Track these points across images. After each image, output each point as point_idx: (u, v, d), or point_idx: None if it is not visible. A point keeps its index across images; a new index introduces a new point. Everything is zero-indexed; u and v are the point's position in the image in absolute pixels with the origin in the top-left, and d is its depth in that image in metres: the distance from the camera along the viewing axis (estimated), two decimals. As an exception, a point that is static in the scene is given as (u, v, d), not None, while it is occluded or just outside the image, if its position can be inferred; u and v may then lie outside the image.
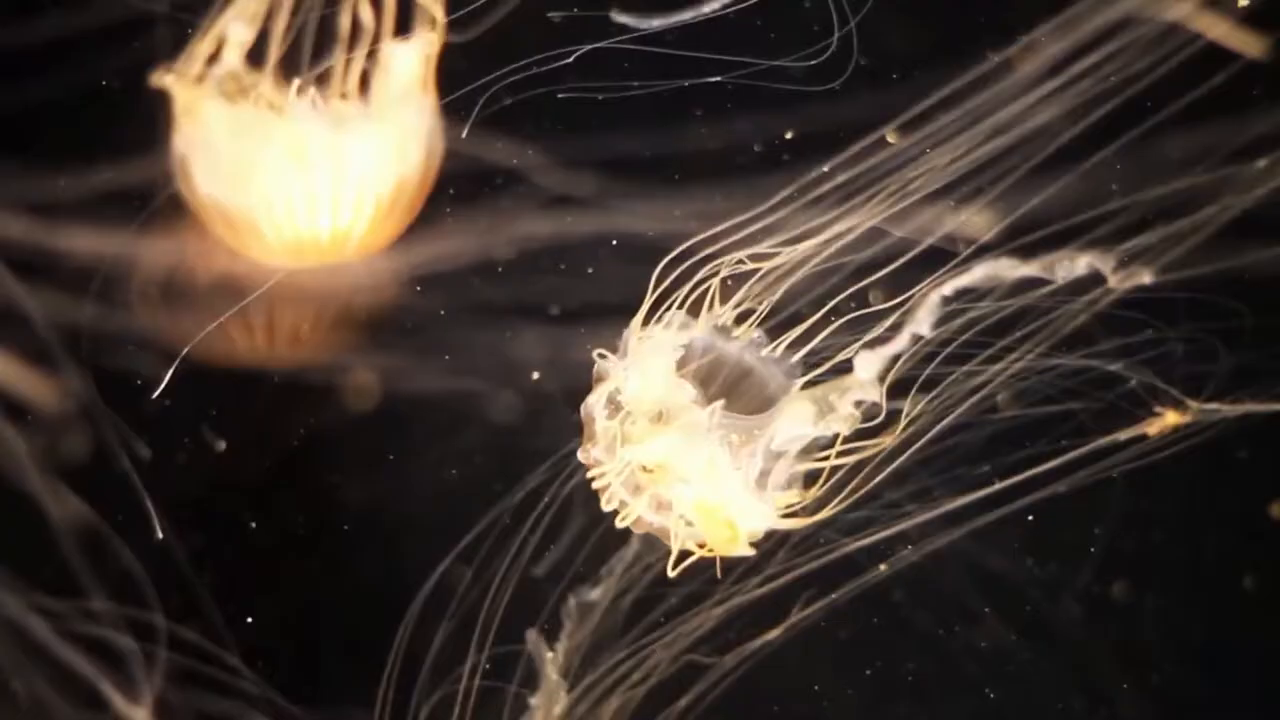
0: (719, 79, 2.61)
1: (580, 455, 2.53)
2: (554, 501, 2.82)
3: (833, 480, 2.57)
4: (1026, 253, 2.47)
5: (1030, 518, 2.81)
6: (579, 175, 2.68)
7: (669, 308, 2.53)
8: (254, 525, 2.90)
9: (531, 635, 2.85)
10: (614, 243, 2.77)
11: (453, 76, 2.54)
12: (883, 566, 2.91)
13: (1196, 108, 2.41)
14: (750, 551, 2.53)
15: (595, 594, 2.90)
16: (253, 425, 2.88)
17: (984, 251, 2.50)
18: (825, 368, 2.56)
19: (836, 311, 2.54)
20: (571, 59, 2.51)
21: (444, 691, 2.83)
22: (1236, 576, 3.16)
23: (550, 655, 2.84)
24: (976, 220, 2.51)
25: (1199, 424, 2.66)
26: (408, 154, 2.52)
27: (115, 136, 2.58)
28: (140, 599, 2.45)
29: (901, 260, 2.49)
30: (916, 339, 2.45)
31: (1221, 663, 3.22)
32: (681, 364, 2.54)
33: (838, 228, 2.51)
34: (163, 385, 2.46)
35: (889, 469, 2.78)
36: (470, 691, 2.81)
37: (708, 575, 2.85)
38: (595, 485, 2.53)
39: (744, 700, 2.94)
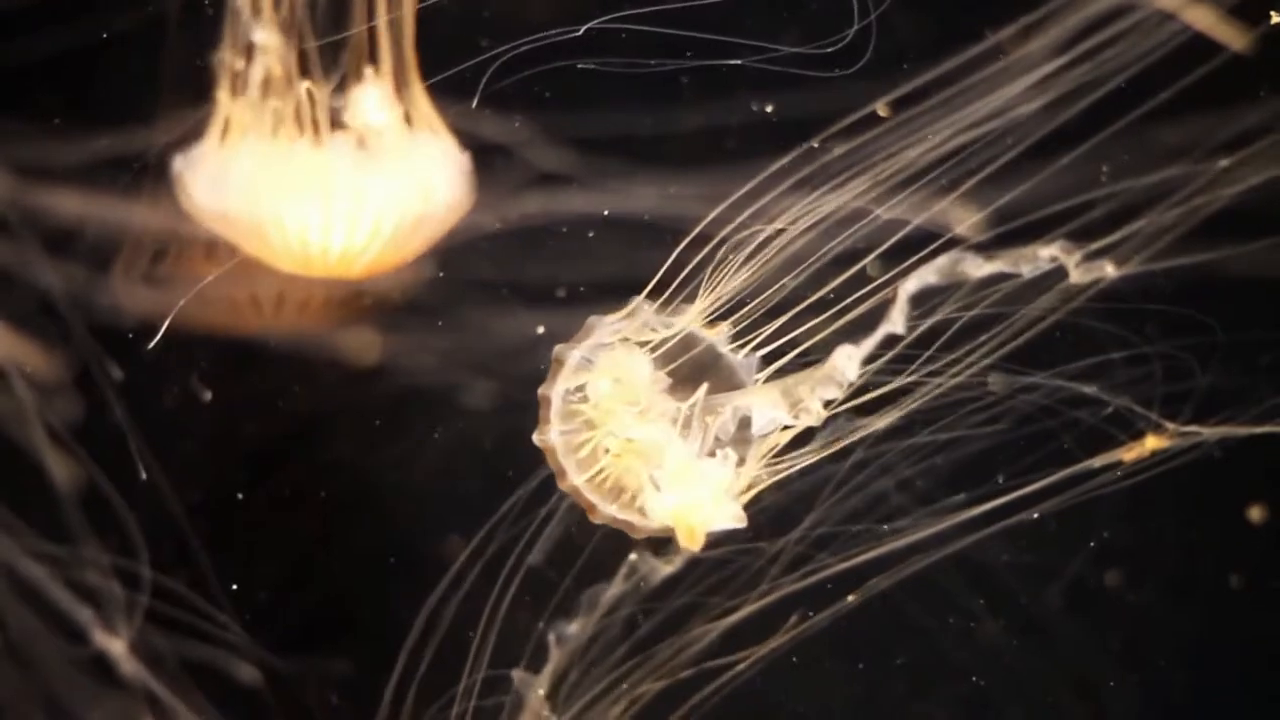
0: (738, 62, 2.62)
1: (535, 439, 2.53)
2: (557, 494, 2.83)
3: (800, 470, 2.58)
4: (1007, 241, 2.48)
5: (1035, 515, 2.82)
6: (577, 152, 2.70)
7: (640, 299, 2.53)
8: (241, 496, 2.93)
9: (518, 674, 2.83)
10: (612, 221, 2.78)
11: (456, 50, 2.57)
12: (851, 597, 2.92)
13: (1185, 99, 2.42)
14: (698, 548, 2.51)
15: (573, 627, 2.87)
16: (248, 390, 2.90)
17: (967, 243, 2.51)
18: (792, 356, 2.54)
19: (815, 302, 2.52)
20: (581, 31, 2.52)
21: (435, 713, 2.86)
22: (1223, 575, 3.16)
23: (541, 694, 2.82)
24: (962, 214, 2.51)
25: (1178, 448, 2.67)
26: (430, 194, 2.55)
27: (118, 99, 2.63)
28: (130, 548, 2.49)
29: (882, 249, 2.49)
30: (891, 337, 2.42)
31: (1208, 659, 3.21)
32: (651, 352, 2.53)
33: (822, 213, 2.51)
34: (157, 338, 2.49)
35: (869, 486, 2.83)
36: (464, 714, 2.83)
37: (699, 588, 2.88)
38: (552, 468, 2.54)
39: (739, 693, 2.94)
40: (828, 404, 2.47)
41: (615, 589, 2.87)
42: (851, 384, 2.47)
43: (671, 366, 2.55)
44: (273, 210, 2.45)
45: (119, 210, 2.54)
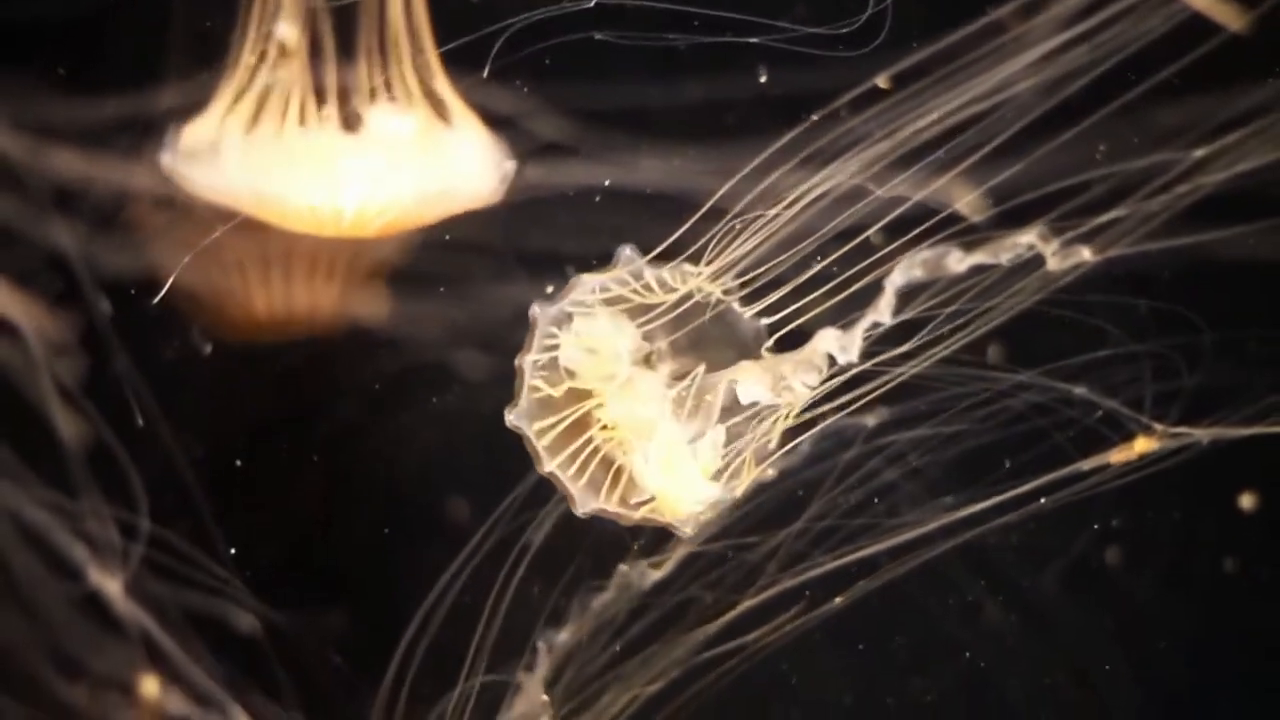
0: (756, 40, 2.62)
1: (508, 417, 2.50)
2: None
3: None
4: (1006, 219, 2.48)
5: (1043, 499, 2.83)
6: (582, 124, 2.70)
7: (626, 250, 2.51)
8: (239, 463, 2.93)
9: (521, 674, 2.82)
10: (616, 193, 2.77)
11: (464, 22, 2.57)
12: (838, 599, 2.92)
13: (1184, 79, 2.42)
14: (683, 520, 2.51)
15: (564, 635, 2.84)
16: (248, 350, 2.90)
17: (967, 221, 2.52)
18: (794, 326, 2.54)
19: (819, 276, 2.53)
20: (592, 3, 2.53)
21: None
22: (1218, 562, 3.16)
23: (545, 700, 2.82)
24: (964, 193, 2.51)
25: (1168, 449, 2.67)
26: (454, 186, 2.54)
27: (127, 61, 2.63)
28: (131, 501, 2.52)
29: (885, 222, 2.50)
30: (876, 325, 2.42)
31: (1204, 644, 3.22)
32: (650, 319, 2.50)
33: (825, 188, 2.51)
34: (161, 294, 2.51)
35: (867, 480, 2.83)
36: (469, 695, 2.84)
37: (700, 582, 2.88)
38: (530, 445, 2.50)
39: (739, 675, 2.97)
40: (806, 385, 2.46)
41: (608, 594, 2.87)
42: (849, 368, 2.48)
43: (674, 336, 2.54)
44: (278, 196, 2.44)
45: (124, 171, 2.55)
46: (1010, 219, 2.49)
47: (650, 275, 2.51)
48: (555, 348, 2.48)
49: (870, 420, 2.84)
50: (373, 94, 2.46)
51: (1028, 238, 2.36)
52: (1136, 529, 3.14)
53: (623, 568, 2.83)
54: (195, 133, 2.48)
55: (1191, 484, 3.02)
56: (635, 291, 2.50)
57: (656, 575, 2.84)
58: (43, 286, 2.52)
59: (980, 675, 3.20)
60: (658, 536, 2.79)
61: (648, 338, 2.53)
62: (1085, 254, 2.34)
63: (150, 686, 2.57)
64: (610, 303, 2.51)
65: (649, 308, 2.52)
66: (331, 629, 2.89)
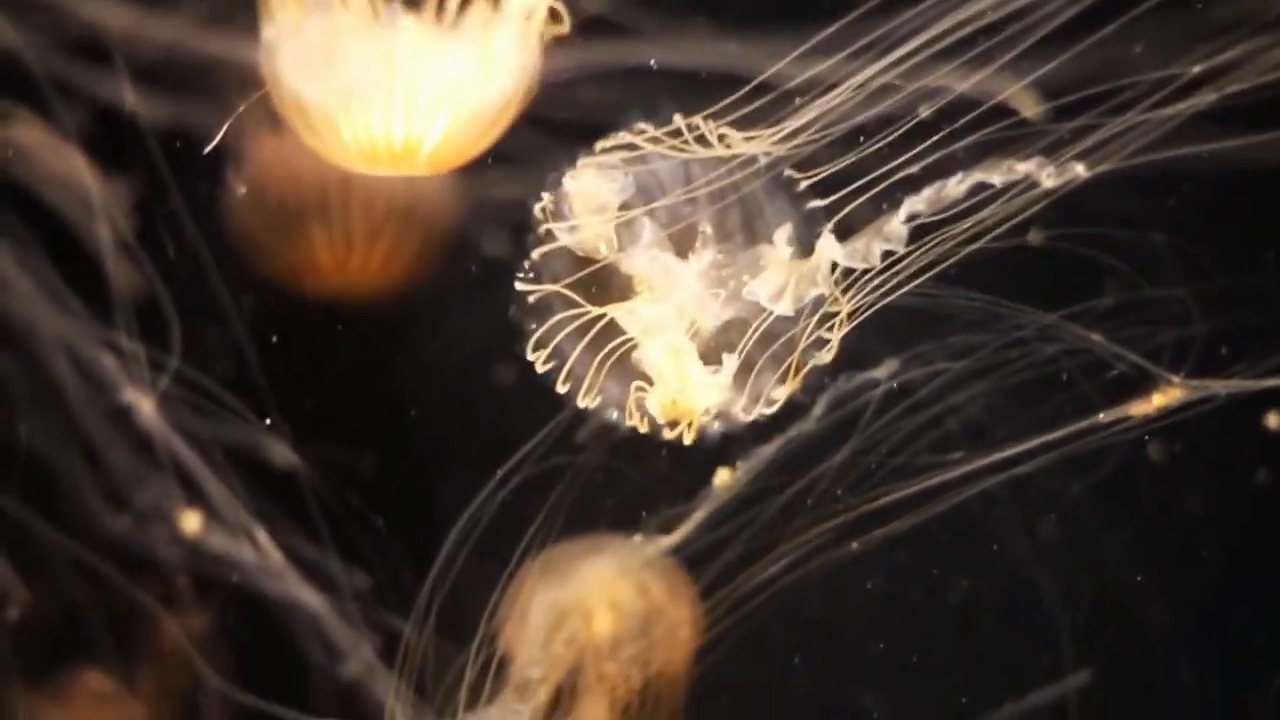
0: None
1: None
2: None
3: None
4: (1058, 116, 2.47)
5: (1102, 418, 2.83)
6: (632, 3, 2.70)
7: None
8: (276, 339, 2.94)
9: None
10: (664, 73, 2.73)
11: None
12: (854, 544, 2.94)
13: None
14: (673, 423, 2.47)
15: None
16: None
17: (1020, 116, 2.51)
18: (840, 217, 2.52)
19: (865, 161, 2.52)
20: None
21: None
22: (1249, 473, 3.15)
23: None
24: (1023, 96, 2.49)
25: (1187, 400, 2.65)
26: (497, 78, 2.37)
27: None
28: (167, 342, 2.61)
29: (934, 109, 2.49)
30: (888, 255, 2.37)
31: (1234, 559, 3.22)
32: (689, 187, 2.43)
33: (875, 74, 2.49)
34: (212, 144, 2.54)
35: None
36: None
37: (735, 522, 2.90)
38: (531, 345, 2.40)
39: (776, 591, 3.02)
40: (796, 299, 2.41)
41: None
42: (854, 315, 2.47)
43: (718, 206, 2.47)
44: (343, 81, 2.32)
45: (181, 31, 2.57)
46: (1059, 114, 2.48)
47: (686, 128, 2.36)
48: (552, 235, 2.37)
49: (881, 372, 2.84)
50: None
51: (1024, 165, 2.33)
52: (1169, 444, 3.14)
53: (637, 538, 2.81)
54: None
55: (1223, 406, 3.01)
56: (673, 148, 2.36)
57: (668, 541, 2.80)
58: (96, 139, 2.57)
59: (1012, 581, 3.21)
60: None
61: (686, 210, 2.44)
62: (1079, 169, 2.31)
63: (191, 521, 2.67)
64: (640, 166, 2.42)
65: (688, 177, 2.45)
66: (368, 489, 2.93)
